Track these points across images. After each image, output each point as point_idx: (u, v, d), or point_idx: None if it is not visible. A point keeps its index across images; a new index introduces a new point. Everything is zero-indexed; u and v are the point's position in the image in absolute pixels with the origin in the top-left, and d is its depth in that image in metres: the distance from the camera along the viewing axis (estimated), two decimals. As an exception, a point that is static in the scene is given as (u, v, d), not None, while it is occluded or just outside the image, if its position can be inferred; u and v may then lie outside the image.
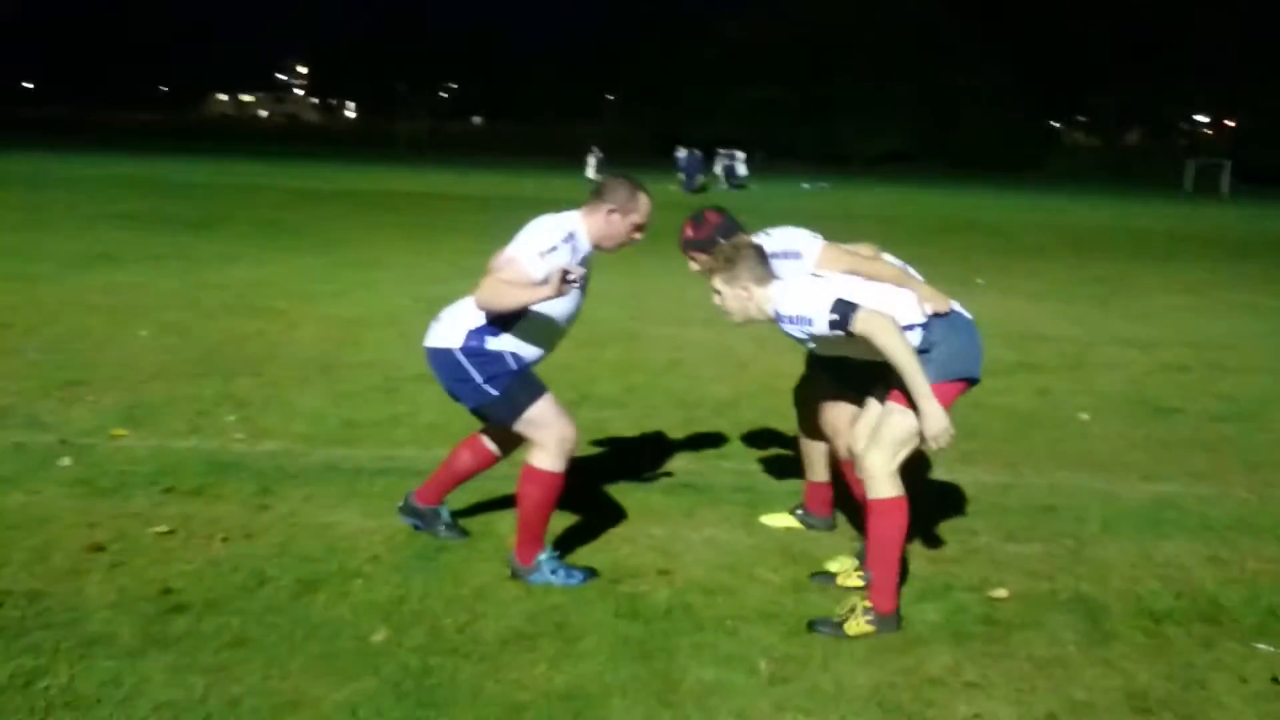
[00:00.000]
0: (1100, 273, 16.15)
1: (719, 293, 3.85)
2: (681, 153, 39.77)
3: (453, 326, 4.04)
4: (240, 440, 5.78)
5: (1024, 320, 11.07)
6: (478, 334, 3.98)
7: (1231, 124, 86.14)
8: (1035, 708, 3.23)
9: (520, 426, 4.00)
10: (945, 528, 4.76)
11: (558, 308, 3.99)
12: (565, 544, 4.36)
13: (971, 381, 3.88)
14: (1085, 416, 6.96)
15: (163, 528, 4.41)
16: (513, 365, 3.98)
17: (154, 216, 19.29)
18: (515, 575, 4.01)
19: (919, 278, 4.06)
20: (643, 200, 4.11)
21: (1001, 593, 4.04)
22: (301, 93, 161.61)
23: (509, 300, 3.84)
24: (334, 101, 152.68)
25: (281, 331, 8.91)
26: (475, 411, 4.18)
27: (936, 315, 3.81)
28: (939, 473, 5.59)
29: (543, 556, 4.01)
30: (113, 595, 3.76)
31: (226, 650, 3.40)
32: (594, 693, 3.23)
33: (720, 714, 3.14)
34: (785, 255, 3.98)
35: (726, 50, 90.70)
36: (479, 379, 3.97)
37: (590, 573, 4.07)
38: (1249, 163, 69.17)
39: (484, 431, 4.38)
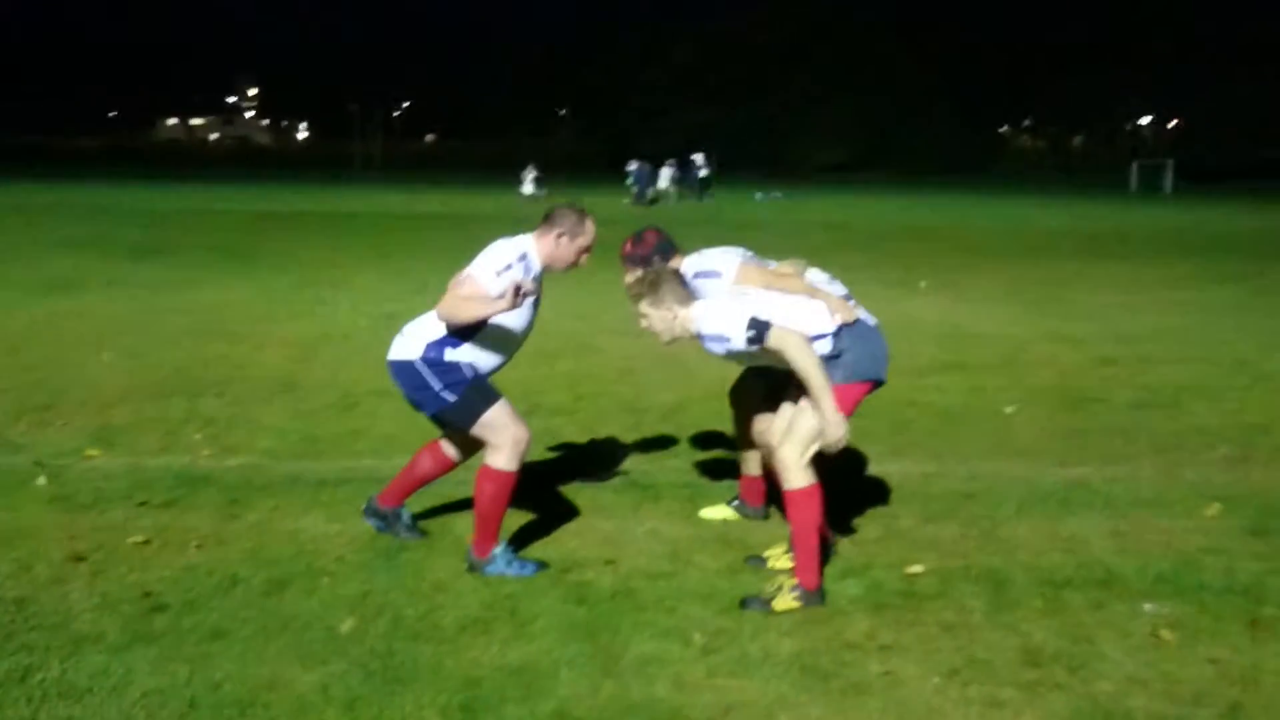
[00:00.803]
0: (1042, 274, 16.69)
1: (645, 315, 4.23)
2: (633, 165, 40.19)
3: (413, 339, 4.38)
4: (208, 456, 6.06)
5: (963, 321, 11.52)
6: (437, 346, 4.32)
7: (1174, 125, 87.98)
8: (940, 665, 3.61)
9: (477, 430, 4.32)
10: (870, 513, 5.14)
11: (512, 320, 4.33)
12: (519, 539, 4.70)
13: (878, 383, 4.28)
14: (1011, 410, 7.38)
15: (139, 538, 4.69)
16: (469, 375, 4.31)
17: (109, 242, 19.43)
18: (472, 568, 4.34)
19: (841, 291, 4.43)
20: (589, 226, 4.47)
21: (917, 569, 4.43)
22: (252, 114, 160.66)
23: (468, 313, 4.18)
24: (285, 123, 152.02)
25: (243, 353, 9.17)
26: (435, 418, 4.51)
27: (844, 325, 4.19)
28: (869, 466, 5.97)
29: (497, 550, 4.34)
30: (96, 599, 4.06)
31: (206, 642, 3.70)
32: (544, 667, 3.57)
33: (658, 681, 3.49)
34: (707, 275, 4.40)
35: (677, 67, 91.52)
36: (437, 386, 4.30)
37: (541, 565, 4.41)
38: (1191, 162, 70.73)
39: (444, 438, 4.71)
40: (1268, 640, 3.81)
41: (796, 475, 4.11)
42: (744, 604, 4.05)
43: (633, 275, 4.62)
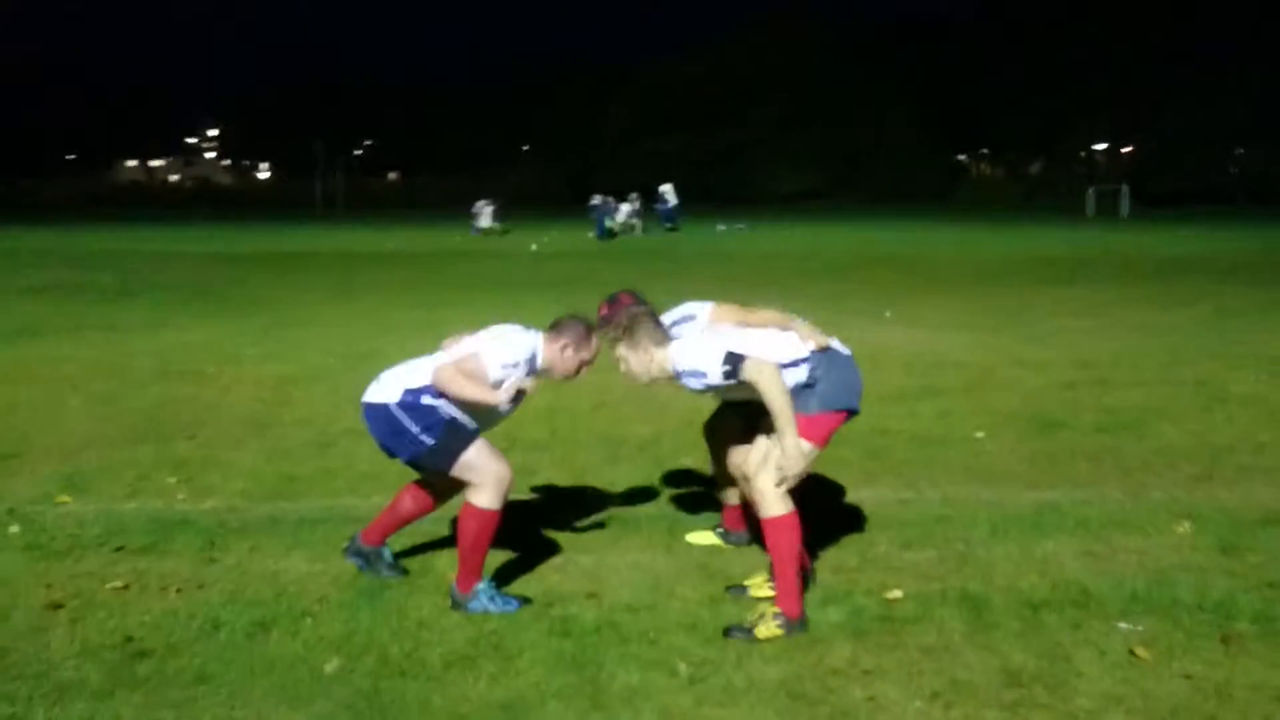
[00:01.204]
0: (1003, 300, 16.90)
1: (623, 359, 4.30)
2: (596, 200, 40.44)
3: (390, 385, 4.41)
4: (183, 500, 6.04)
5: (928, 348, 11.65)
6: (415, 393, 4.34)
7: (1129, 150, 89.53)
8: (923, 688, 3.66)
9: (458, 471, 4.34)
10: (848, 540, 5.20)
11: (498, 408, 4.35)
12: (501, 574, 4.72)
13: (851, 412, 4.34)
14: (981, 435, 7.48)
15: (117, 583, 4.67)
16: (445, 416, 4.33)
17: (72, 287, 19.29)
18: (455, 605, 4.35)
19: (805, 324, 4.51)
20: (594, 343, 4.51)
21: (897, 594, 4.49)
22: (213, 155, 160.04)
23: (464, 392, 4.23)
24: (247, 163, 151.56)
25: (213, 394, 9.14)
26: (411, 463, 4.50)
27: (817, 351, 4.27)
28: (844, 493, 6.04)
29: (481, 586, 4.36)
30: (77, 646, 4.03)
31: (191, 686, 3.70)
32: (531, 701, 3.59)
33: (645, 712, 3.52)
34: (683, 320, 4.51)
35: (642, 99, 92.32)
36: (415, 430, 4.32)
37: (524, 600, 4.43)
38: (1146, 187, 71.99)
39: (423, 479, 4.71)
40: (1240, 655, 3.90)
41: (774, 504, 4.17)
42: (727, 633, 4.09)
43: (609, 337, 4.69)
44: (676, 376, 4.24)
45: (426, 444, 4.31)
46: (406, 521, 4.77)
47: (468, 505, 4.33)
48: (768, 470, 4.18)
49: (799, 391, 4.22)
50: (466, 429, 4.37)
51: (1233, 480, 6.30)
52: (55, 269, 24.00)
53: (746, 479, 4.65)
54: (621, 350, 4.29)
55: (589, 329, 4.49)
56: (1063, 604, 4.39)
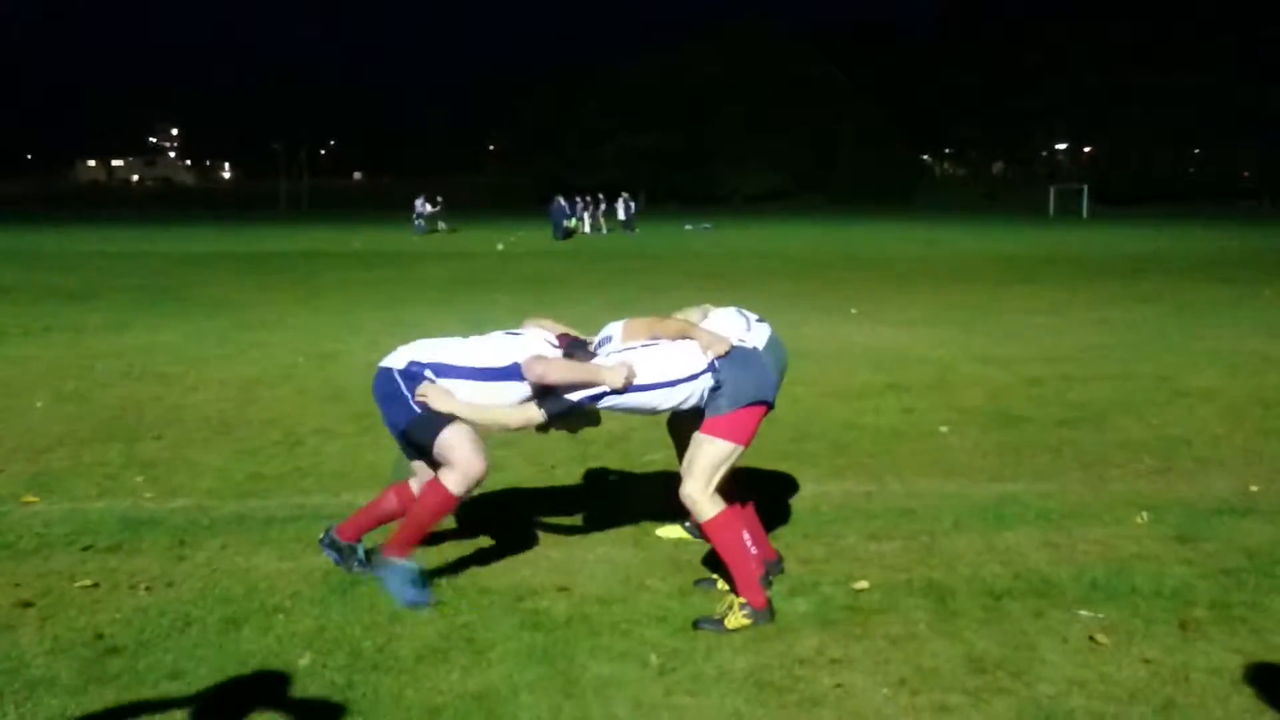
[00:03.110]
0: (967, 297, 17.09)
1: None
2: (559, 201, 40.62)
3: (403, 354, 4.47)
4: (151, 499, 6.02)
5: (894, 345, 11.77)
6: (421, 365, 4.39)
7: (1089, 150, 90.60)
8: (890, 675, 3.73)
9: (437, 447, 4.36)
10: (815, 533, 5.27)
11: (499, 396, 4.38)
12: (471, 569, 4.75)
13: (766, 404, 4.37)
14: (945, 429, 7.59)
15: (87, 581, 4.66)
16: (410, 397, 4.35)
17: (34, 289, 19.10)
18: (372, 562, 4.32)
19: (742, 323, 4.53)
20: None
21: (863, 584, 4.56)
22: (174, 155, 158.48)
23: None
24: (209, 162, 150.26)
25: (179, 395, 9.09)
26: (402, 435, 4.48)
27: (719, 358, 4.30)
28: (811, 486, 6.12)
29: (407, 564, 4.34)
30: (48, 644, 4.03)
31: (164, 683, 3.70)
32: (504, 692, 3.62)
33: (616, 702, 3.56)
34: (603, 341, 4.53)
35: (608, 100, 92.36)
36: (409, 396, 4.35)
37: (433, 603, 4.35)
38: (1106, 187, 72.91)
39: (413, 479, 4.71)
40: (1197, 640, 3.99)
41: (706, 507, 4.24)
42: (697, 625, 4.14)
43: None
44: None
45: (415, 412, 4.34)
46: (384, 521, 4.77)
47: (435, 481, 4.37)
48: (692, 476, 4.26)
49: (711, 396, 4.29)
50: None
51: (1191, 472, 6.43)
52: (17, 270, 23.73)
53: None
54: None
55: None
56: (1025, 593, 4.47)
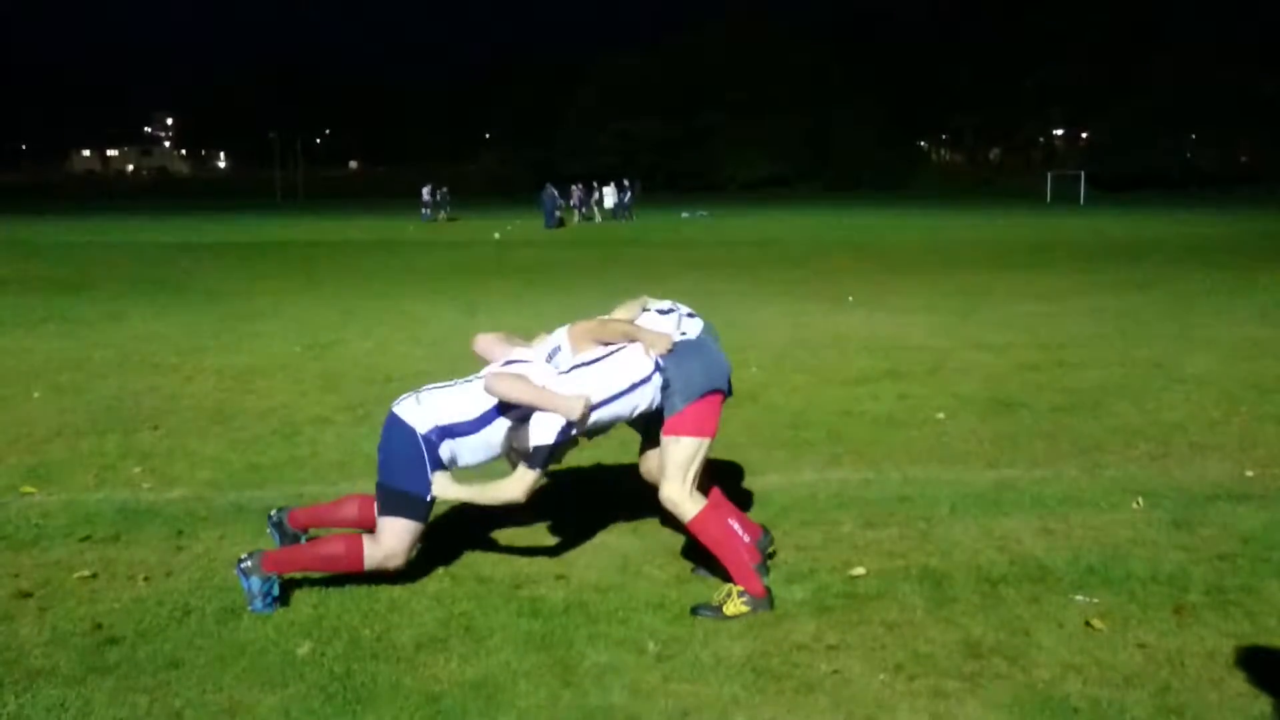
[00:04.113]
0: (963, 284, 17.10)
1: None
2: (550, 190, 40.64)
3: (426, 413, 4.35)
4: (149, 489, 6.02)
5: (890, 332, 11.79)
6: (440, 431, 4.32)
7: (1086, 137, 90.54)
8: (886, 661, 3.75)
9: (381, 520, 4.35)
10: (812, 520, 5.28)
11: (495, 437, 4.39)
12: (469, 557, 4.77)
13: (720, 392, 4.38)
14: (941, 416, 7.60)
15: (85, 572, 4.67)
16: (428, 472, 4.31)
17: (29, 280, 19.08)
18: (239, 564, 4.27)
19: (673, 319, 4.51)
20: None
21: (860, 571, 4.57)
22: (170, 145, 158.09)
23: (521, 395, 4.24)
24: (204, 152, 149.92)
25: (176, 385, 9.09)
26: (380, 484, 4.41)
27: (661, 356, 4.32)
28: (809, 474, 6.13)
29: (271, 577, 4.27)
30: (47, 634, 4.04)
31: (163, 671, 3.71)
32: (502, 680, 3.64)
33: (615, 689, 3.58)
34: (553, 353, 4.50)
35: (604, 87, 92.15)
36: (428, 469, 4.29)
37: (283, 604, 4.29)
38: (1102, 173, 72.86)
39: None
40: (1192, 625, 4.01)
41: (687, 506, 4.26)
42: (695, 611, 4.16)
43: None
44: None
45: (399, 481, 4.30)
46: (338, 526, 4.73)
47: (358, 539, 4.33)
48: (667, 479, 4.28)
49: (665, 395, 4.31)
50: (425, 508, 4.35)
51: (1186, 457, 6.44)
52: (13, 261, 23.70)
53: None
54: None
55: None
56: (1021, 579, 4.49)
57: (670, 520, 5.20)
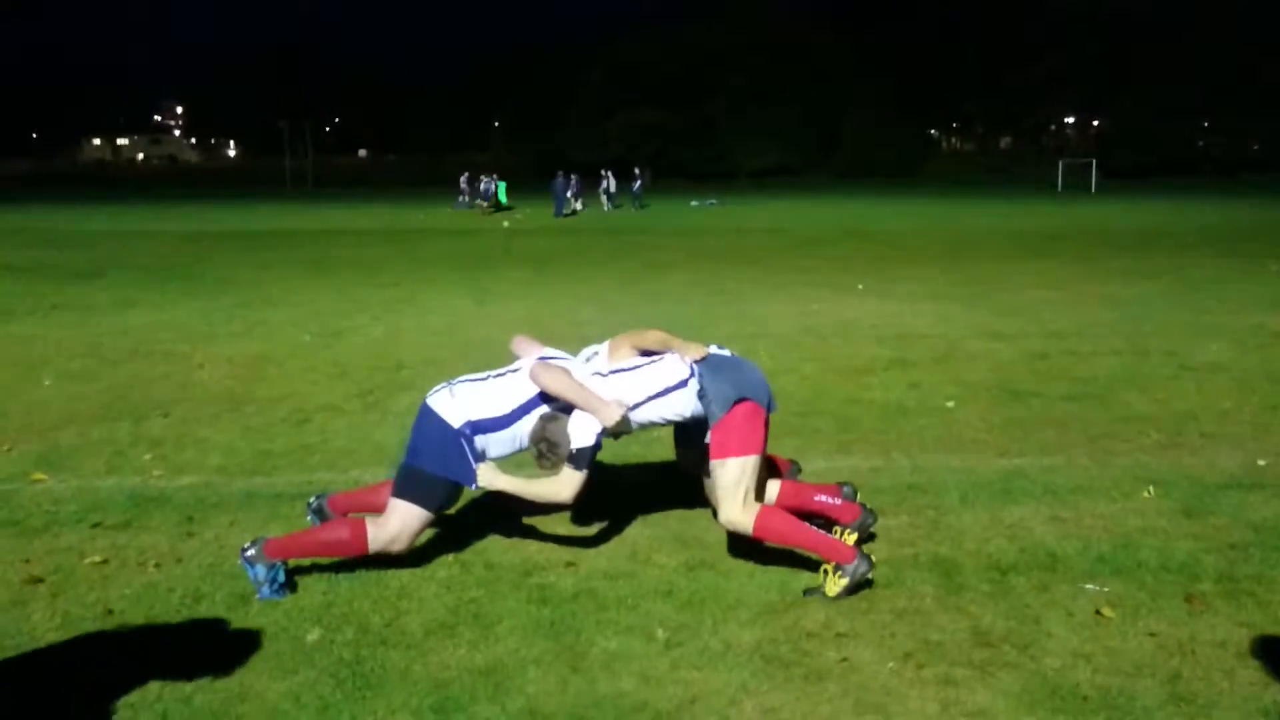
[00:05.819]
0: (974, 273, 17.04)
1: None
2: (559, 178, 40.54)
3: (461, 409, 4.37)
4: (160, 476, 6.04)
5: (900, 321, 11.76)
6: (472, 426, 4.35)
7: (1097, 124, 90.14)
8: (895, 649, 3.75)
9: (393, 503, 4.39)
10: (822, 508, 5.27)
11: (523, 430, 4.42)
12: (478, 544, 4.77)
13: (758, 405, 4.42)
14: (951, 404, 7.58)
15: (96, 558, 4.69)
16: (472, 463, 4.36)
17: (42, 267, 19.14)
18: (243, 552, 4.28)
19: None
20: None
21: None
22: (179, 133, 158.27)
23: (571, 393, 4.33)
24: (214, 140, 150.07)
25: (186, 372, 9.11)
26: (404, 467, 4.45)
27: (697, 361, 4.42)
28: (819, 462, 6.12)
29: (277, 564, 4.27)
30: (58, 619, 4.06)
31: (174, 657, 3.72)
32: (511, 667, 3.64)
33: (624, 676, 3.58)
34: (590, 356, 4.65)
35: (611, 75, 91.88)
36: (472, 461, 4.34)
37: (292, 590, 4.30)
38: (1114, 161, 72.57)
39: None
40: (1203, 613, 4.00)
41: (749, 522, 4.31)
42: (806, 594, 4.19)
43: None
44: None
45: (430, 467, 4.34)
46: (378, 510, 4.75)
47: (361, 522, 4.38)
48: (724, 503, 4.33)
49: (703, 403, 4.38)
50: (441, 497, 4.41)
51: (1197, 446, 6.42)
52: (24, 249, 23.78)
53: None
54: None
55: None
56: (1031, 567, 4.48)
57: (679, 509, 5.22)
